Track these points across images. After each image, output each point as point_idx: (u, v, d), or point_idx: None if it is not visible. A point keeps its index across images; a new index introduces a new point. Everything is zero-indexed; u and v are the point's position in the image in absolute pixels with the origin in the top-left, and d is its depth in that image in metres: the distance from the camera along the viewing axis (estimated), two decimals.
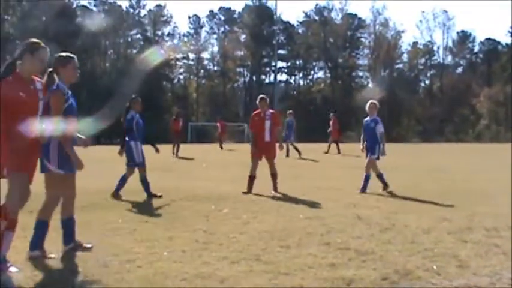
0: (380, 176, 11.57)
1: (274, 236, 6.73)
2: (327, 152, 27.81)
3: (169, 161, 20.61)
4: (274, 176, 11.66)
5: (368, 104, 11.94)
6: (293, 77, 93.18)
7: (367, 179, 11.53)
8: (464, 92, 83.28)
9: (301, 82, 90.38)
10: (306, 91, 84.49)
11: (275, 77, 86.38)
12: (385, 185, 11.45)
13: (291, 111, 27.89)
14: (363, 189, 11.39)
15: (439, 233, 6.87)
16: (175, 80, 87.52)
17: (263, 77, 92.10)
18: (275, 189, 11.48)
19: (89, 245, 6.06)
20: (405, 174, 16.26)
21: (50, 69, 5.82)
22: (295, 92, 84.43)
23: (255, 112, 12.08)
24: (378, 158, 11.60)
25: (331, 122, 28.83)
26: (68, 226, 5.98)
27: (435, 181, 13.97)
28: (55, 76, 5.83)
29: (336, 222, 7.48)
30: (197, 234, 6.87)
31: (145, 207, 9.40)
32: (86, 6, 73.51)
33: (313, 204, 9.58)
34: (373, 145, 11.60)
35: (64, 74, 5.86)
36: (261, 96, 12.27)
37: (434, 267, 5.20)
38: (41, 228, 5.79)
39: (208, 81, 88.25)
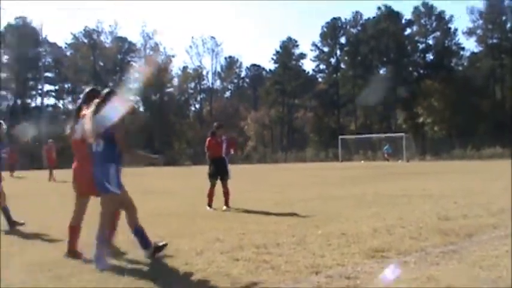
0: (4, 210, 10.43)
1: (43, 268, 6.37)
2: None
3: None
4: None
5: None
6: (61, 101, 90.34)
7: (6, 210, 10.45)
8: (232, 116, 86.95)
9: (70, 106, 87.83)
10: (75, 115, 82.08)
11: (42, 101, 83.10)
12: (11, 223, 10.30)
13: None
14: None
15: (212, 254, 6.99)
16: None
17: (29, 100, 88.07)
18: None
19: None
20: (180, 197, 16.44)
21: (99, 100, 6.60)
22: (64, 117, 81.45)
23: None
24: None
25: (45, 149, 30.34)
26: None
27: None
28: None
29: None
30: None
31: None
32: None
33: (84, 232, 9.25)
34: None
35: None
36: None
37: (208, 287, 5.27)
38: None
39: None
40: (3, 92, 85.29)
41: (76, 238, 7.07)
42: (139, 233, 6.87)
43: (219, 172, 13.17)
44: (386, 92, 75.41)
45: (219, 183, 13.13)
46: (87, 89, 7.25)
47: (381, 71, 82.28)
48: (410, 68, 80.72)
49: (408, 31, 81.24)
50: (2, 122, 10.80)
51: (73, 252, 7.01)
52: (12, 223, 10.29)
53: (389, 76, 78.41)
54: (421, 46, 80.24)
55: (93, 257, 6.46)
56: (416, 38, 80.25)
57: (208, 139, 13.40)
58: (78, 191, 7.05)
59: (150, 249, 6.84)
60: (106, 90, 6.92)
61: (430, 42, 79.60)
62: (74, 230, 7.09)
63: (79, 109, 7.00)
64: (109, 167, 6.56)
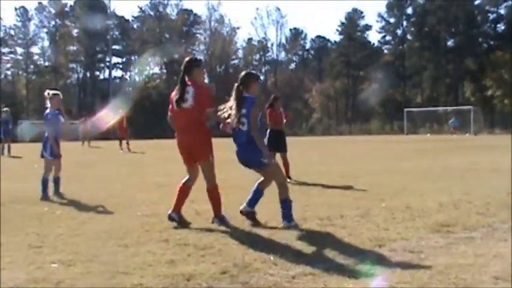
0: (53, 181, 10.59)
1: (111, 236, 6.56)
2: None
3: None
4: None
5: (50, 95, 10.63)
6: (128, 73, 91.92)
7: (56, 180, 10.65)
8: (297, 87, 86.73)
9: (137, 78, 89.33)
10: (141, 87, 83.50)
11: (110, 73, 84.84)
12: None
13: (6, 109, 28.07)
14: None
15: (276, 224, 7.04)
16: (2, 76, 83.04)
17: (97, 73, 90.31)
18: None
19: None
20: (243, 168, 16.55)
21: (237, 84, 7.26)
22: (130, 88, 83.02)
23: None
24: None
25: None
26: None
27: None
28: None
29: None
30: (30, 238, 6.53)
31: None
32: None
33: (151, 201, 9.48)
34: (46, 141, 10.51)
35: (253, 88, 7.30)
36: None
37: (271, 257, 5.30)
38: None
39: (39, 77, 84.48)
40: (73, 65, 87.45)
41: (184, 199, 7.25)
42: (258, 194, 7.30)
43: (277, 144, 13.02)
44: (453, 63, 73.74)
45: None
46: (187, 59, 7.47)
47: (449, 43, 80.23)
48: (480, 39, 78.33)
49: (478, 1, 78.73)
50: (59, 92, 11.00)
51: (177, 213, 7.17)
52: (46, 195, 10.25)
53: (458, 47, 76.47)
54: (491, 16, 77.69)
55: (282, 216, 7.04)
56: (487, 7, 77.67)
57: (268, 111, 13.33)
58: (183, 160, 7.36)
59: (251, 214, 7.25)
60: (246, 72, 7.55)
61: (502, 12, 76.91)
62: (184, 190, 7.27)
63: (183, 79, 7.23)
64: (256, 144, 7.07)
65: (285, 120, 13.45)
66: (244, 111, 7.08)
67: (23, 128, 27.26)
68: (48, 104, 10.60)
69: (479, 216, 7.34)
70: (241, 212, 7.24)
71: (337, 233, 6.45)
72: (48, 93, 10.72)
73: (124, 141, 29.64)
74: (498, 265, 4.91)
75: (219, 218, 7.20)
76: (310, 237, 6.29)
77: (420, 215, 7.56)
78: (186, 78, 7.22)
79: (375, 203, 8.75)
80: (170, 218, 7.11)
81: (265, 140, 13.06)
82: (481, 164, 16.08)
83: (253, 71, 7.89)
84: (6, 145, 25.92)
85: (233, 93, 7.27)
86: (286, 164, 12.95)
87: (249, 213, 7.22)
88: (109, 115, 33.55)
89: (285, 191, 7.10)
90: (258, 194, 7.29)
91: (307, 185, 11.89)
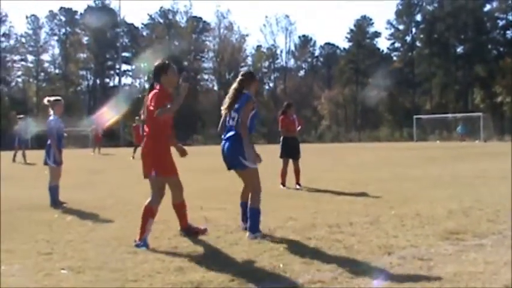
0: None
1: (121, 243, 6.57)
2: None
3: (8, 168, 19.59)
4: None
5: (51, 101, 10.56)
6: (138, 80, 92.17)
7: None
8: (306, 94, 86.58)
9: (147, 85, 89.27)
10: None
11: (119, 80, 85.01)
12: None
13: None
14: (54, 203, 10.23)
15: (285, 232, 7.04)
16: (13, 83, 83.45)
17: (107, 80, 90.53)
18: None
19: None
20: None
21: (242, 77, 7.06)
22: (140, 96, 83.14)
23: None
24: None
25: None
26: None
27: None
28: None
29: None
30: (39, 245, 6.55)
31: None
32: None
33: (160, 208, 9.46)
34: (48, 149, 10.48)
35: (252, 87, 7.10)
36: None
37: (281, 265, 5.30)
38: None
39: (49, 84, 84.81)
40: (83, 72, 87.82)
41: (182, 214, 7.05)
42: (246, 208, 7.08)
43: (291, 151, 13.08)
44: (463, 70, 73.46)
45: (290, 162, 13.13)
46: (155, 64, 6.74)
47: (458, 49, 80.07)
48: (489, 46, 78.11)
49: (488, 7, 78.57)
50: (60, 98, 10.92)
51: (186, 229, 7.05)
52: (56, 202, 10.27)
53: (467, 54, 76.31)
54: (501, 23, 77.43)
55: (248, 226, 6.86)
56: (496, 14, 77.44)
57: (281, 117, 13.30)
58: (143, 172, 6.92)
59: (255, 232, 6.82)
60: (247, 71, 7.49)
61: (511, 18, 76.62)
62: (177, 207, 7.04)
63: (151, 87, 6.71)
64: (241, 143, 6.80)
65: (299, 127, 13.43)
66: (237, 106, 6.92)
67: (28, 123, 27.31)
68: (51, 111, 10.56)
69: (489, 224, 7.30)
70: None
71: (346, 240, 6.43)
72: (49, 100, 10.60)
73: (139, 149, 29.66)
74: (509, 273, 4.87)
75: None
76: (319, 244, 6.27)
77: (430, 222, 7.53)
78: (158, 86, 6.61)
79: (384, 210, 8.73)
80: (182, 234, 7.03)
81: (279, 147, 13.12)
82: (490, 171, 16.00)
83: (253, 72, 7.80)
84: (20, 152, 25.86)
85: (235, 84, 7.09)
86: (297, 171, 12.95)
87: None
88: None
89: (257, 201, 6.93)
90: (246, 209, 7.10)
91: (316, 192, 11.87)
